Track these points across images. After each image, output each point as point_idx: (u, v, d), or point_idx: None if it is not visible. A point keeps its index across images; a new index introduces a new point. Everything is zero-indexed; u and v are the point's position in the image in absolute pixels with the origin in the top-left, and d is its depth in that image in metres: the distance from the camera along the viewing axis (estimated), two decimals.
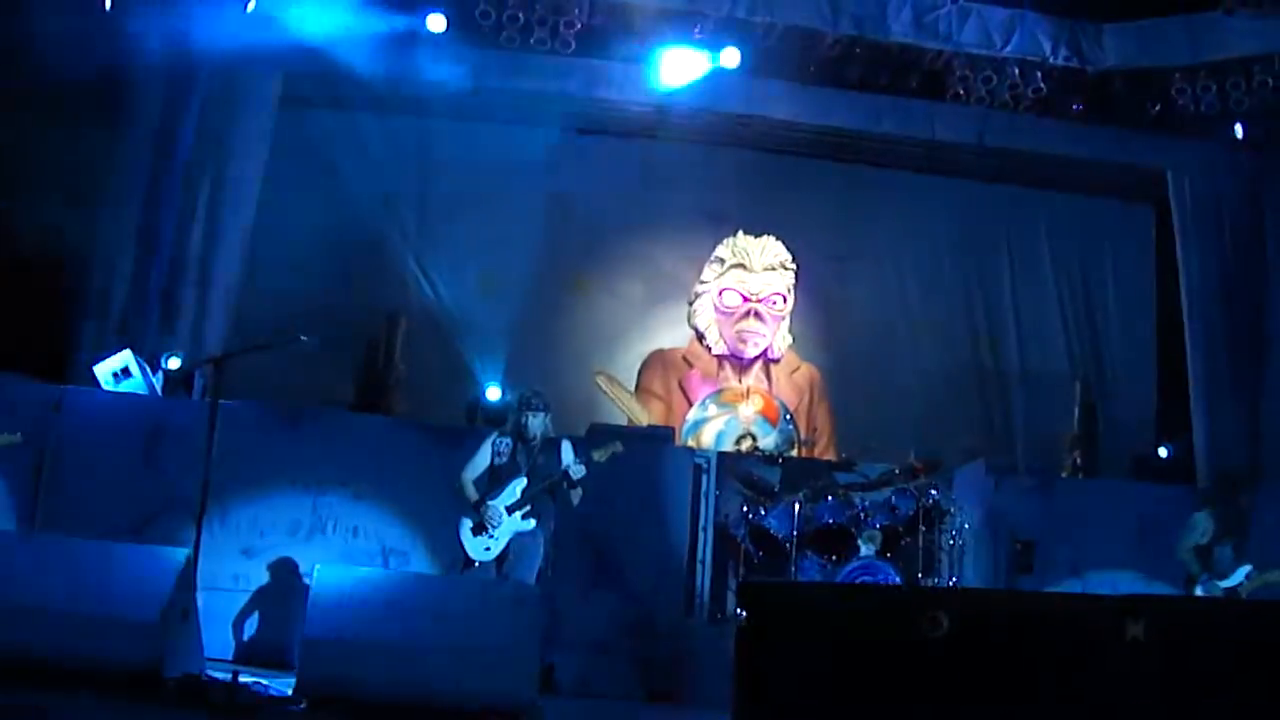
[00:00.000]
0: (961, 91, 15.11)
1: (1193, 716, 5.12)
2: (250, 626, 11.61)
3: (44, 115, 12.92)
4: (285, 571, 11.87)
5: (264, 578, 11.83)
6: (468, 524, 10.11)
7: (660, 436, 14.04)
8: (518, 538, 10.08)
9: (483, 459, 10.25)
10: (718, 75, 15.25)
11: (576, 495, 10.30)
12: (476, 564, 10.04)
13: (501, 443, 10.25)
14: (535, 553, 10.12)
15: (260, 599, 11.74)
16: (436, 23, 14.66)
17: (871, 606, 6.01)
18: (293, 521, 12.08)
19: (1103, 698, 5.16)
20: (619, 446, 10.34)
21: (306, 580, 9.62)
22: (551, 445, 10.33)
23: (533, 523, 10.12)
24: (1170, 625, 5.26)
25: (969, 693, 5.31)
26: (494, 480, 10.18)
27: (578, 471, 10.11)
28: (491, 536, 10.02)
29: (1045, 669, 5.21)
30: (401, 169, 16.24)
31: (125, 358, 13.16)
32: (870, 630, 5.62)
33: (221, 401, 9.71)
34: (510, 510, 10.04)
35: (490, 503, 10.05)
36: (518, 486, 10.10)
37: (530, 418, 10.27)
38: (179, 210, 14.77)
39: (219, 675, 8.52)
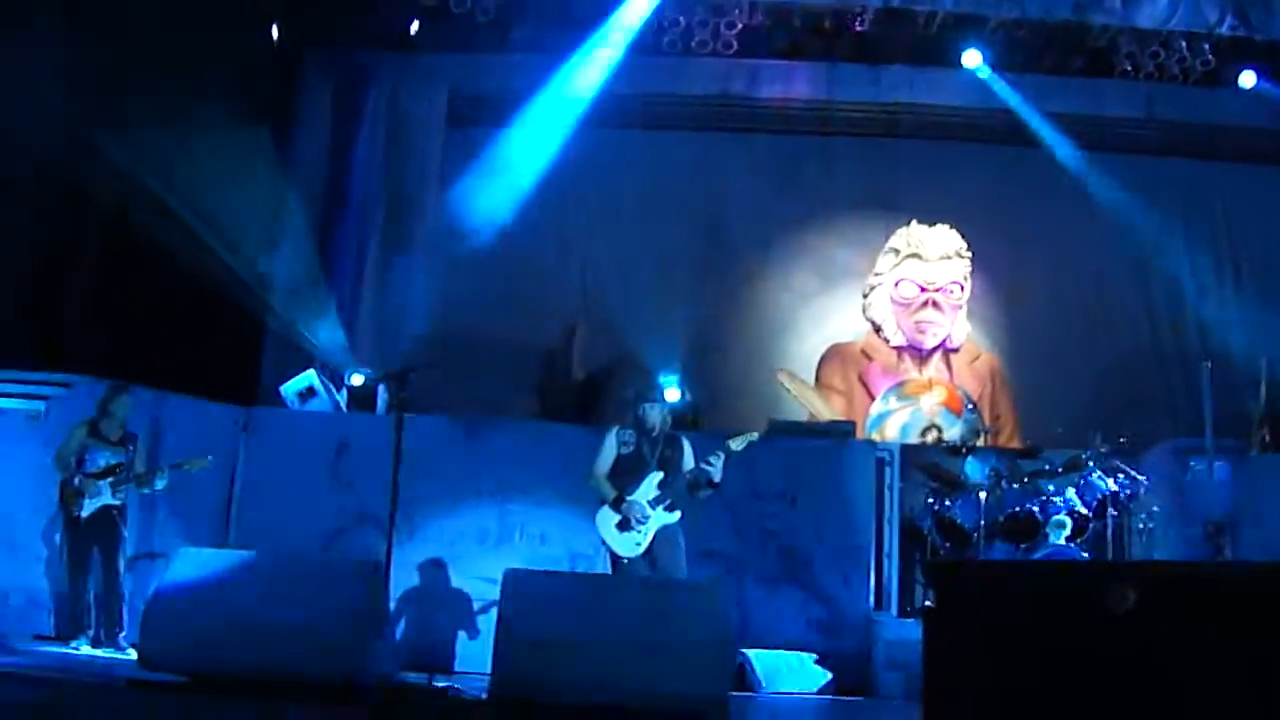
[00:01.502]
0: (1129, 68, 14.87)
1: None
2: (398, 632, 11.71)
3: (216, 141, 13.22)
4: (427, 580, 12.03)
5: (408, 588, 11.95)
6: (610, 521, 10.04)
7: (843, 431, 13.96)
8: (662, 531, 10.03)
9: (609, 452, 10.19)
10: (880, 67, 15.21)
11: (708, 494, 10.25)
12: (626, 561, 9.99)
13: (625, 433, 10.20)
14: (680, 544, 10.08)
15: (406, 603, 11.87)
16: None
17: (1059, 582, 5.90)
18: (480, 530, 12.22)
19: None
20: (754, 435, 10.28)
21: (493, 584, 9.68)
22: (675, 441, 10.29)
23: (677, 515, 10.07)
24: None
25: (1158, 668, 5.19)
26: (625, 473, 10.13)
27: (717, 467, 10.02)
28: (640, 532, 9.99)
29: (1234, 641, 5.06)
30: (568, 179, 16.33)
31: (310, 377, 13.45)
32: (1058, 606, 5.52)
33: (405, 415, 9.88)
34: (653, 505, 10.04)
35: (632, 499, 10.01)
36: (654, 480, 10.04)
37: (648, 410, 10.25)
38: (356, 230, 15.06)
39: (414, 679, 8.65)
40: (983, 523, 12.16)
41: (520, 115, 15.74)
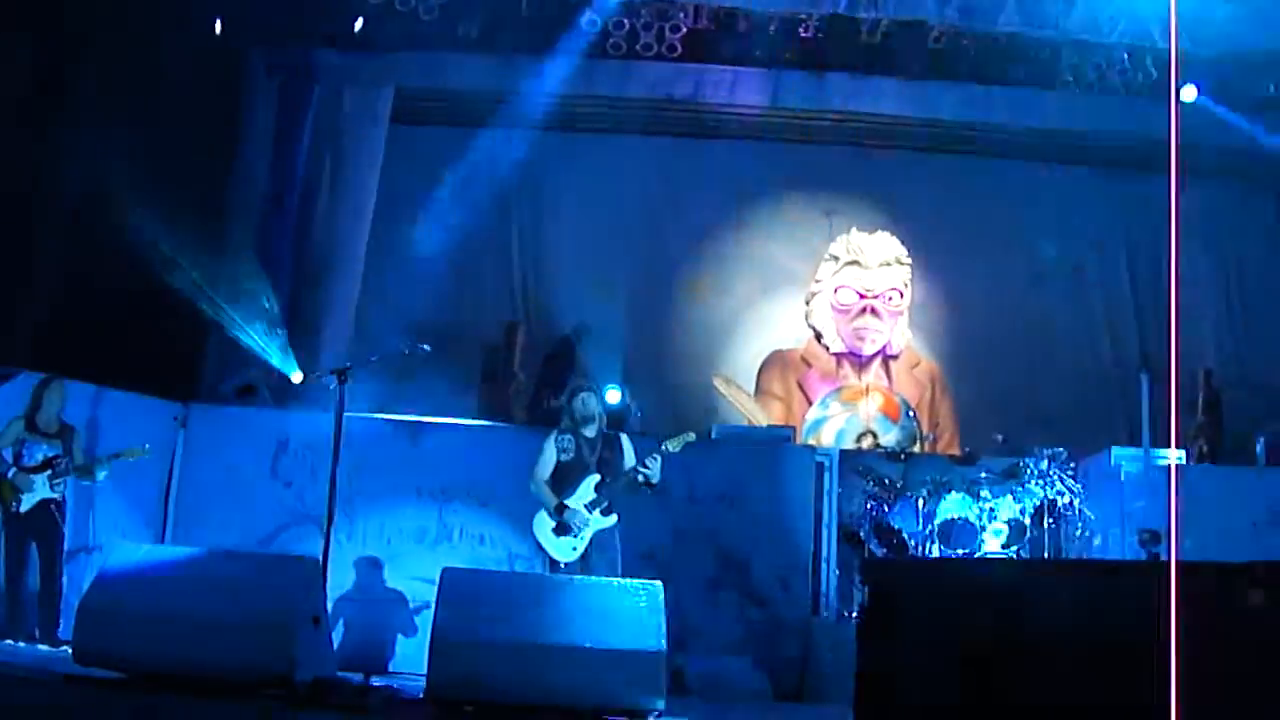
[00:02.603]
0: (1070, 79, 14.99)
1: None
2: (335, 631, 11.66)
3: (161, 138, 13.17)
4: (364, 579, 12.01)
5: (345, 588, 11.91)
6: (547, 525, 10.04)
7: (780, 436, 14.00)
8: (598, 534, 10.03)
9: (549, 458, 10.20)
10: (824, 74, 15.31)
11: (647, 494, 10.26)
12: (562, 565, 9.98)
13: (564, 439, 10.20)
14: (616, 548, 10.10)
15: (343, 606, 11.82)
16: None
17: (993, 582, 5.97)
18: (419, 530, 12.21)
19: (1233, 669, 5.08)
20: (692, 436, 10.29)
21: (431, 584, 9.67)
22: (613, 441, 10.30)
23: (613, 518, 10.08)
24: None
25: (1098, 667, 5.26)
26: (565, 478, 10.14)
27: (655, 469, 10.04)
28: (577, 536, 9.98)
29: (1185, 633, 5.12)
30: (511, 180, 16.31)
31: (252, 376, 13.42)
32: (992, 605, 5.59)
33: (345, 414, 9.86)
34: (590, 509, 10.05)
35: (570, 504, 10.01)
36: (591, 483, 10.04)
37: (585, 399, 10.28)
38: (296, 226, 15.02)
39: (350, 678, 8.64)
40: (920, 528, 12.24)
41: (463, 114, 15.73)
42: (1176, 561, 5.16)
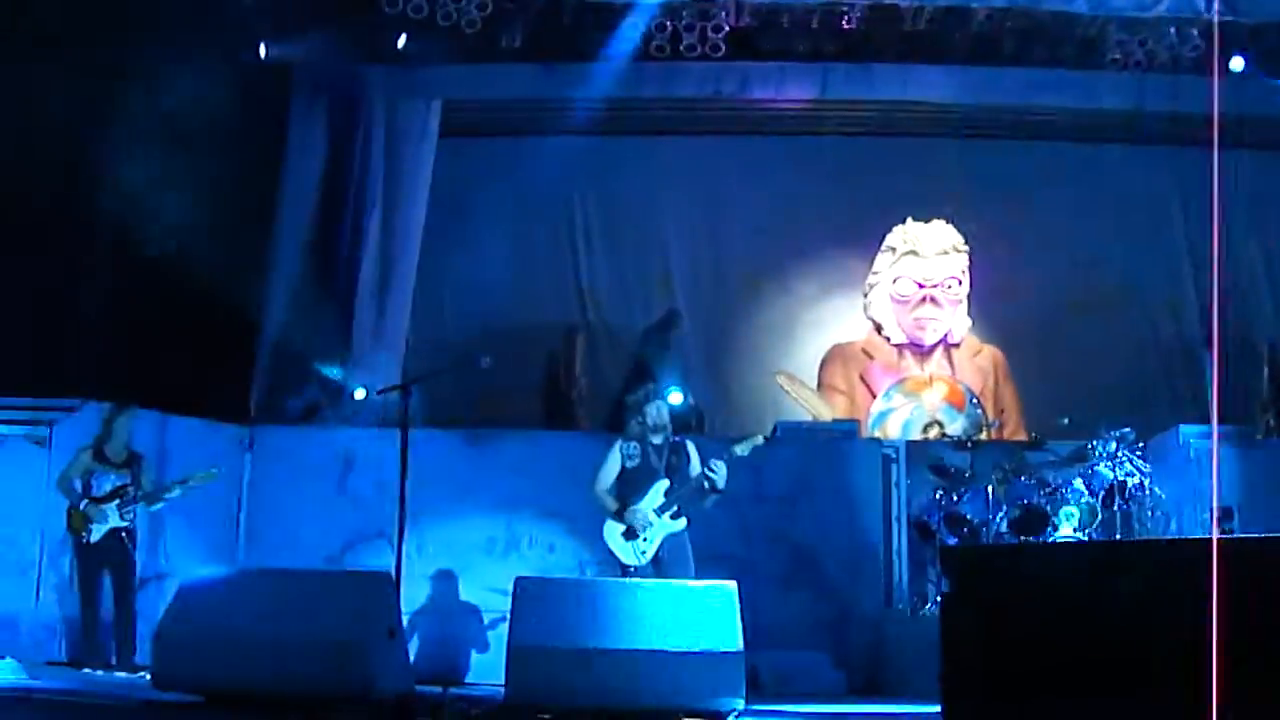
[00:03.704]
0: (1118, 56, 14.86)
1: None
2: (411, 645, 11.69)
3: (208, 162, 13.26)
4: (437, 591, 12.02)
5: (419, 601, 11.95)
6: (616, 530, 10.09)
7: (846, 430, 13.96)
8: (669, 539, 10.05)
9: (613, 466, 10.23)
10: (871, 65, 15.26)
11: (713, 499, 10.24)
12: (632, 569, 10.00)
13: (629, 446, 10.22)
14: (688, 552, 10.11)
15: (418, 620, 11.86)
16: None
17: (1072, 564, 5.93)
18: (488, 541, 12.26)
19: None
20: (760, 438, 10.31)
21: (503, 595, 9.68)
22: (680, 448, 10.30)
23: (683, 522, 10.10)
24: None
25: (1170, 645, 5.21)
26: (630, 485, 10.16)
27: (720, 473, 10.04)
28: (645, 540, 10.00)
29: (1247, 611, 5.06)
30: (564, 187, 16.38)
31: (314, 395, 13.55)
32: (1072, 587, 5.55)
33: (410, 428, 9.89)
34: (659, 513, 10.03)
35: (635, 507, 10.02)
36: (660, 488, 10.07)
37: (650, 411, 10.30)
38: (350, 243, 15.07)
39: (429, 691, 8.65)
40: (991, 516, 12.17)
41: (512, 124, 15.76)
42: (1218, 538, 5.11)
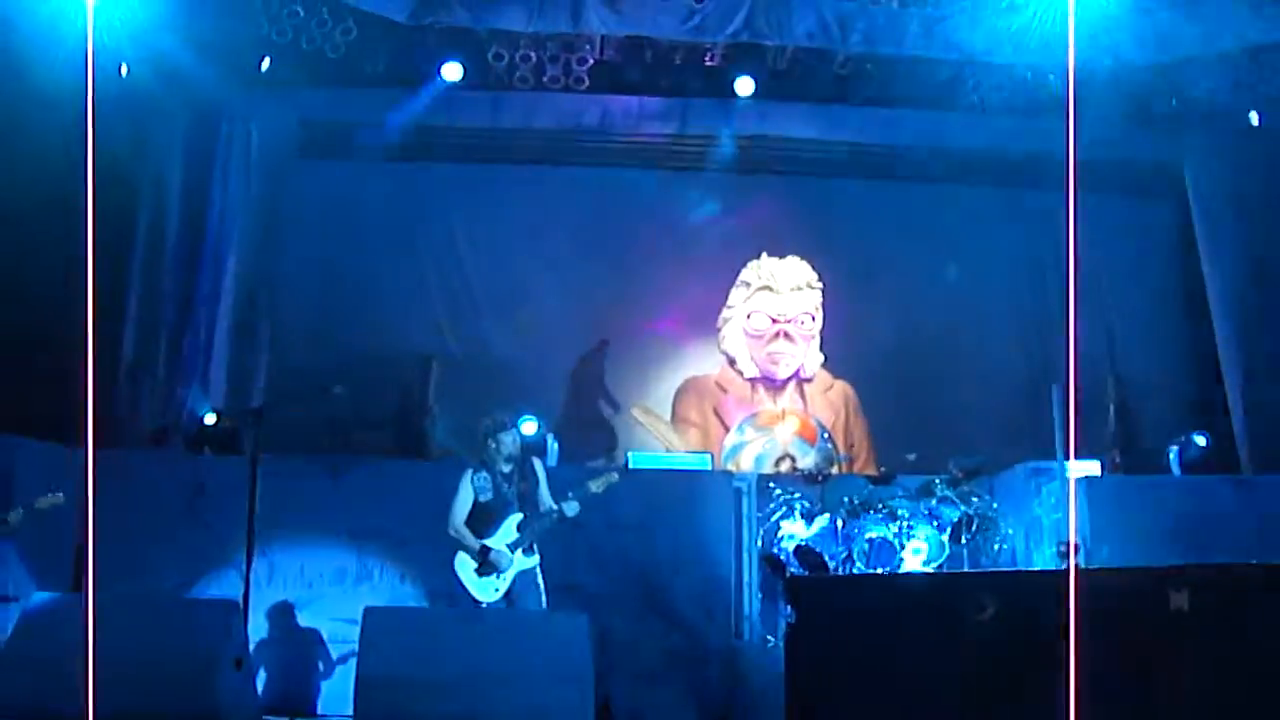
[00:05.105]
0: (975, 99, 15.12)
1: (1240, 684, 5.13)
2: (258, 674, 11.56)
3: (58, 179, 13.06)
4: (286, 621, 11.92)
5: (267, 630, 11.83)
6: (469, 565, 10.07)
7: (698, 463, 14.02)
8: (520, 574, 10.09)
9: (465, 498, 10.21)
10: (732, 101, 15.41)
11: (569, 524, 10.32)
12: (484, 605, 10.03)
13: (479, 478, 10.22)
14: (539, 586, 10.17)
15: (266, 646, 11.74)
16: (452, 71, 14.84)
17: (917, 595, 6.02)
18: (339, 570, 12.12)
19: (1151, 667, 5.16)
20: (615, 476, 10.42)
21: (353, 624, 9.63)
22: (528, 471, 10.36)
23: (536, 558, 10.17)
24: (1215, 595, 5.26)
25: (1018, 673, 5.32)
26: (483, 520, 10.16)
27: (572, 510, 10.14)
28: (499, 577, 10.02)
29: (1092, 642, 5.20)
30: (423, 214, 16.38)
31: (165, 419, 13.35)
32: (916, 618, 5.64)
33: (261, 454, 9.81)
34: (513, 549, 10.05)
35: (492, 545, 10.03)
36: (513, 522, 10.10)
37: (499, 440, 10.30)
38: (209, 265, 14.91)
39: None
40: (840, 549, 12.31)
41: (372, 148, 15.70)
42: (1077, 568, 5.25)
